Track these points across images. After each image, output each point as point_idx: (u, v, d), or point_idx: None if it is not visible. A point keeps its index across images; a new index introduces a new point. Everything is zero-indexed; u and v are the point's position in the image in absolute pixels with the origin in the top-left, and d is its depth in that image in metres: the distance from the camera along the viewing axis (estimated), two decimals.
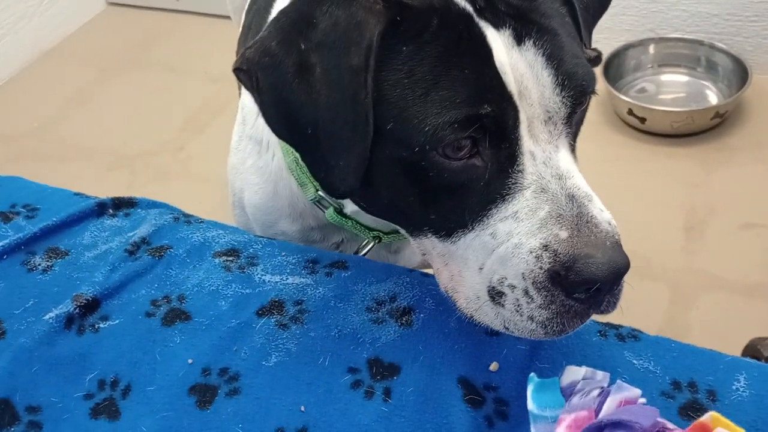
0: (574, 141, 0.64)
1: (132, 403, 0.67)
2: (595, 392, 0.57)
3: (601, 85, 1.99)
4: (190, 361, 0.69)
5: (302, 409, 0.63)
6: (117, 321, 0.74)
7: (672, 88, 2.15)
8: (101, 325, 0.74)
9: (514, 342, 0.68)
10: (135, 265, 0.80)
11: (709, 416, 0.52)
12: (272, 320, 0.73)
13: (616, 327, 0.70)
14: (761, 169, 1.90)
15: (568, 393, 0.59)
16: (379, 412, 0.62)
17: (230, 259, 0.80)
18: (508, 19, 0.59)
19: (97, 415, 0.67)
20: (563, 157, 0.60)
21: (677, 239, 1.75)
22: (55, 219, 0.86)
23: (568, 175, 0.59)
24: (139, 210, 0.90)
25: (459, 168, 0.59)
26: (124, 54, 2.57)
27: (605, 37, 2.21)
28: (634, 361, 0.65)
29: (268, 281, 0.77)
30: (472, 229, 0.60)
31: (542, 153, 0.59)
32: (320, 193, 0.80)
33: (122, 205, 0.90)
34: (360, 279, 0.76)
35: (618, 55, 2.11)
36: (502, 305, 0.60)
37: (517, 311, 0.59)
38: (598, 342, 0.68)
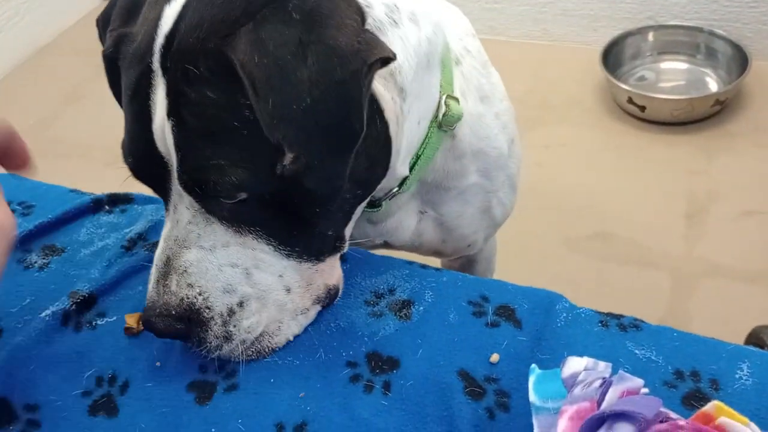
0: (245, 224, 0.63)
1: (130, 400, 0.67)
2: (597, 383, 0.56)
3: (600, 73, 1.98)
4: None
5: (301, 395, 0.63)
6: (114, 317, 0.74)
7: (672, 76, 2.14)
8: (98, 322, 0.74)
9: (515, 333, 0.67)
10: (131, 261, 0.79)
11: (712, 405, 0.51)
12: None
13: (618, 317, 0.69)
14: (762, 156, 1.89)
15: (569, 384, 0.58)
16: (379, 406, 0.62)
17: None
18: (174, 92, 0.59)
19: (95, 411, 0.66)
20: (194, 229, 0.64)
21: (678, 227, 1.74)
22: (50, 216, 0.86)
23: (183, 242, 0.64)
24: (135, 206, 0.89)
25: None
26: None
27: (603, 26, 2.20)
28: (636, 351, 0.65)
29: None
30: None
31: (181, 211, 0.64)
32: None
33: (118, 201, 0.90)
34: (358, 272, 0.75)
35: (617, 43, 2.10)
36: None
37: None
38: (599, 332, 0.67)
